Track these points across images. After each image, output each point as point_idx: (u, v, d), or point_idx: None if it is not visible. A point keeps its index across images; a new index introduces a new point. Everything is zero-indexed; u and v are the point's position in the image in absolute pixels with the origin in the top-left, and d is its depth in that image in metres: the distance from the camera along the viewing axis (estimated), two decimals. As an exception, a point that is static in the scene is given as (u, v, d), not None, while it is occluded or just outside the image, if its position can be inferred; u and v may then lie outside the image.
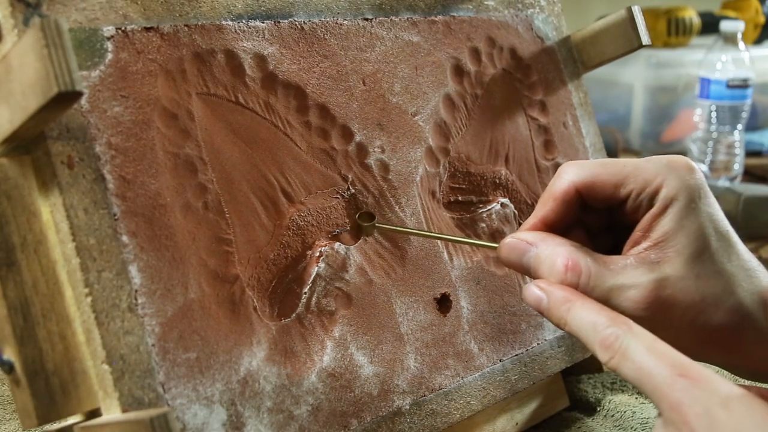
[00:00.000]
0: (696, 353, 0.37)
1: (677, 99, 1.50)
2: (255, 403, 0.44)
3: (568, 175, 0.44)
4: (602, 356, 0.38)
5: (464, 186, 0.60)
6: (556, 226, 0.44)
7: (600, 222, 0.46)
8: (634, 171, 0.43)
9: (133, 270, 0.41)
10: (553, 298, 0.41)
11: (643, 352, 0.36)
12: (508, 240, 0.44)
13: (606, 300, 0.41)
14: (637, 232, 0.43)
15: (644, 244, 0.42)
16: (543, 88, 0.66)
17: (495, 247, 0.45)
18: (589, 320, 0.39)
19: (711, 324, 0.42)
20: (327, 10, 0.54)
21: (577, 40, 0.69)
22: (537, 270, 0.43)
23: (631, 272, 0.41)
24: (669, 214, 0.42)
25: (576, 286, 0.41)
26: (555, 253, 0.42)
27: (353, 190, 0.52)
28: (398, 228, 0.53)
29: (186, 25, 0.46)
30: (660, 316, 0.41)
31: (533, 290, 0.42)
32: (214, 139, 0.46)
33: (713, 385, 0.35)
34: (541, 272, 0.43)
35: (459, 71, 0.60)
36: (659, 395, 0.35)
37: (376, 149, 0.54)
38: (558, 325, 0.41)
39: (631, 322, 0.38)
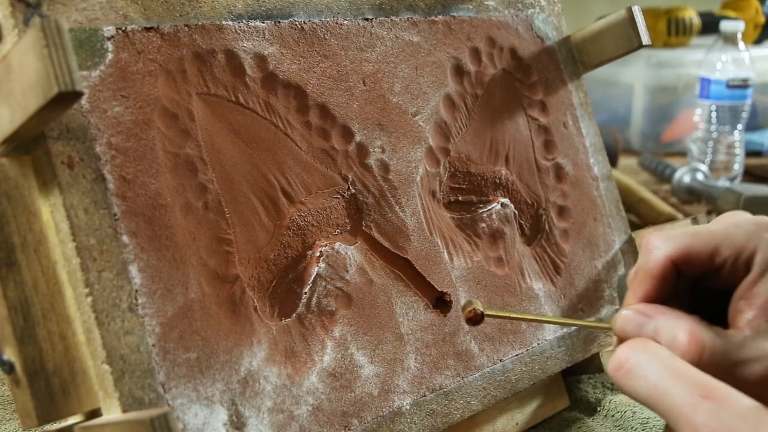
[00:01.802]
0: None
1: (677, 99, 1.50)
2: (255, 403, 0.44)
3: (662, 251, 0.43)
4: (610, 370, 0.37)
5: (464, 186, 0.60)
6: (656, 302, 0.43)
7: (688, 286, 0.45)
8: (726, 239, 0.42)
9: (133, 270, 0.41)
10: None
11: (658, 370, 0.36)
12: (625, 312, 0.43)
13: (731, 375, 0.39)
14: (738, 301, 0.42)
15: (750, 313, 0.41)
16: (543, 88, 0.66)
17: (608, 328, 0.44)
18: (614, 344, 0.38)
19: None
20: (327, 10, 0.54)
21: (577, 40, 0.69)
22: None
23: (752, 345, 0.40)
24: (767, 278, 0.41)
25: (698, 360, 0.40)
26: (676, 327, 0.41)
27: (353, 190, 0.52)
28: (509, 315, 0.53)
29: (186, 25, 0.46)
30: None
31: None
32: (214, 139, 0.46)
33: (740, 406, 0.34)
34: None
35: (459, 71, 0.60)
36: (677, 416, 0.34)
37: (376, 149, 0.54)
38: None
39: (648, 339, 0.38)
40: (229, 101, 0.48)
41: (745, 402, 0.34)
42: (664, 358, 0.36)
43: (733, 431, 0.33)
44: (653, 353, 0.37)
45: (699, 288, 0.45)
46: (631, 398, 0.37)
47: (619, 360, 0.37)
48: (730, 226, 0.43)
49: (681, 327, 0.40)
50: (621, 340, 0.42)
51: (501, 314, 0.50)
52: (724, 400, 0.34)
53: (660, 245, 0.43)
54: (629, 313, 0.43)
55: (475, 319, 0.47)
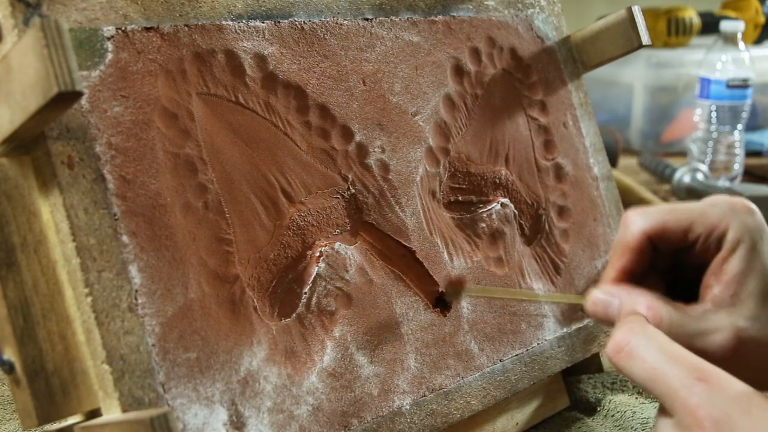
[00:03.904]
0: None
1: (677, 99, 1.50)
2: (255, 403, 0.44)
3: (638, 225, 0.45)
4: (610, 352, 0.38)
5: (464, 186, 0.60)
6: (633, 274, 0.46)
7: (669, 261, 0.47)
8: (701, 216, 0.44)
9: (133, 270, 0.41)
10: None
11: (655, 352, 0.37)
12: (595, 293, 0.46)
13: (690, 346, 0.41)
14: (709, 276, 0.44)
15: (717, 288, 0.43)
16: (543, 88, 0.66)
17: (582, 302, 0.48)
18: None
19: None
20: (327, 10, 0.54)
21: (577, 40, 0.69)
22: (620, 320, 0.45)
23: (711, 318, 0.42)
24: (737, 257, 0.43)
25: None
26: (636, 303, 0.44)
27: (353, 190, 0.52)
28: (491, 292, 0.54)
29: (186, 25, 0.46)
30: (744, 357, 0.41)
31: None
32: (214, 139, 0.46)
33: (733, 390, 0.35)
34: None
35: (459, 71, 0.60)
36: (673, 398, 0.35)
37: (376, 149, 0.54)
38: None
39: (643, 320, 0.38)
40: (229, 101, 0.48)
41: (737, 386, 0.35)
42: (662, 342, 0.37)
43: (725, 412, 0.34)
44: (651, 337, 0.38)
45: (681, 264, 0.47)
46: (630, 380, 0.38)
47: (618, 343, 0.38)
48: (707, 206, 0.45)
49: (641, 303, 0.43)
50: (592, 316, 0.46)
51: (481, 294, 0.53)
52: (717, 382, 0.35)
53: (637, 220, 0.46)
54: (599, 294, 0.46)
55: (455, 286, 0.51)
